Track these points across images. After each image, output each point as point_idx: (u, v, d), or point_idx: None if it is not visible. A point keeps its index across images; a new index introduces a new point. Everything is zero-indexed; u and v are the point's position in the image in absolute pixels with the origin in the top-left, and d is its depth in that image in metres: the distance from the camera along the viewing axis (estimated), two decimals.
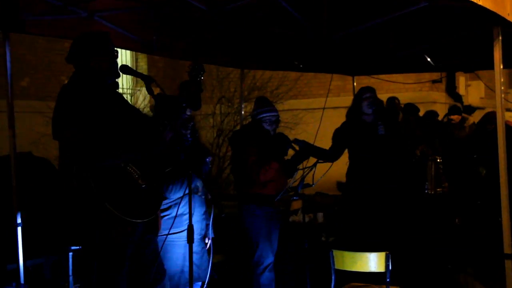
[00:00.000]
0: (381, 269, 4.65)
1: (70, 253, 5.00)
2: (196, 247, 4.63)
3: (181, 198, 4.41)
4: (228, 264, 6.03)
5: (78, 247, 4.69)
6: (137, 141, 3.70)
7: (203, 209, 4.75)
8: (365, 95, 6.06)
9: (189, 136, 4.71)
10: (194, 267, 4.55)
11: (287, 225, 7.46)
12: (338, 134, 6.14)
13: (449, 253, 6.70)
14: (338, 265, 4.84)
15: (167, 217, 4.50)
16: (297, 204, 6.92)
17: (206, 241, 4.87)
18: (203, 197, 4.76)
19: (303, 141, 5.76)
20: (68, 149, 3.54)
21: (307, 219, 8.07)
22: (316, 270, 5.66)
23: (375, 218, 5.86)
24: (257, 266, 5.32)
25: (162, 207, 4.40)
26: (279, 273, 5.41)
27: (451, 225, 7.40)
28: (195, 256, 4.56)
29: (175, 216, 4.36)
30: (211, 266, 4.78)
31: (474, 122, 9.96)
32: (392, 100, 9.06)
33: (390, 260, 4.62)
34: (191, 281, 3.88)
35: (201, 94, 4.18)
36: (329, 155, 5.97)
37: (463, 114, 10.06)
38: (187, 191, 4.42)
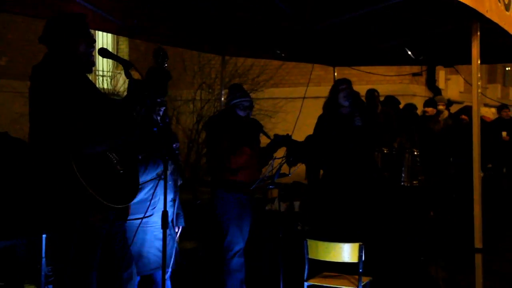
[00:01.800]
0: (354, 259, 4.70)
1: (44, 236, 4.97)
2: (160, 234, 4.59)
3: (152, 182, 4.40)
4: (200, 251, 6.06)
5: (51, 230, 4.65)
6: (116, 127, 3.67)
7: (171, 196, 4.71)
8: (341, 86, 6.10)
9: (159, 121, 4.67)
10: (158, 253, 4.54)
11: (264, 213, 7.50)
12: (320, 124, 6.18)
13: (422, 245, 6.78)
14: (311, 255, 4.88)
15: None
16: (274, 193, 6.95)
17: (176, 230, 4.86)
18: (170, 183, 4.71)
19: (285, 136, 5.76)
20: (48, 134, 3.45)
21: (283, 208, 8.11)
22: (290, 259, 5.69)
23: (349, 209, 5.91)
24: (227, 251, 5.34)
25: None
26: (253, 261, 5.43)
27: (425, 218, 7.48)
28: (159, 243, 4.48)
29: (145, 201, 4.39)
30: (177, 253, 4.76)
31: (448, 116, 10.07)
32: (372, 92, 9.10)
33: (363, 251, 4.66)
34: (164, 266, 3.87)
35: (167, 82, 4.12)
36: (309, 147, 6.01)
37: (438, 107, 10.15)
38: (150, 176, 4.41)
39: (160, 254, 4.49)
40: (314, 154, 6.18)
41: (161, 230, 4.53)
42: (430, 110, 10.00)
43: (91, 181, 3.37)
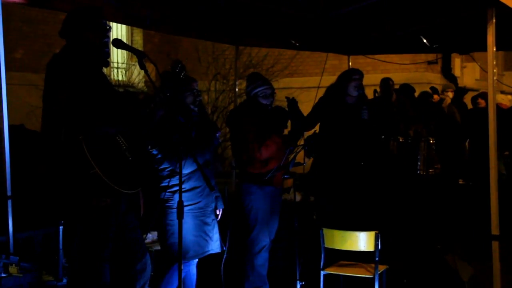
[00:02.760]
0: (371, 248, 4.70)
1: (61, 227, 5.01)
2: (207, 219, 4.73)
3: (196, 172, 4.57)
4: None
5: (66, 216, 4.70)
6: (122, 113, 3.73)
7: (213, 182, 4.76)
8: (354, 76, 6.05)
9: (196, 111, 4.76)
10: (207, 239, 4.70)
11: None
12: (321, 105, 6.14)
13: (438, 233, 6.76)
14: (328, 244, 4.88)
15: (182, 190, 4.55)
16: (290, 182, 6.94)
17: (217, 212, 4.92)
18: (212, 170, 4.83)
19: (293, 100, 5.77)
20: (59, 114, 3.54)
21: (299, 197, 8.10)
22: (306, 248, 5.70)
23: (361, 197, 5.90)
24: (253, 245, 5.24)
25: (172, 183, 4.58)
26: (270, 251, 5.43)
27: (442, 206, 7.44)
28: (207, 228, 4.70)
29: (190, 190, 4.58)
30: (220, 238, 4.86)
31: (451, 102, 10.03)
32: (386, 80, 9.05)
33: (379, 240, 4.66)
34: (180, 256, 3.89)
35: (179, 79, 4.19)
36: (304, 122, 5.96)
37: (446, 93, 10.10)
38: (195, 166, 4.47)
39: (208, 238, 4.71)
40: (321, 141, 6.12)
41: (210, 215, 4.76)
42: (435, 98, 9.96)
43: (99, 162, 3.43)
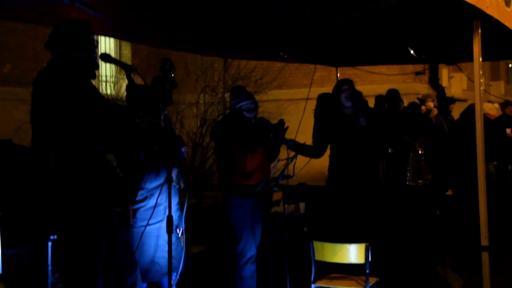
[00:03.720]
0: (361, 260, 4.68)
1: (49, 243, 4.97)
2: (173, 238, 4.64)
3: (161, 187, 4.40)
4: (207, 255, 6.03)
5: (55, 236, 4.66)
6: (113, 129, 3.70)
7: (177, 199, 4.74)
8: (343, 87, 6.05)
9: (162, 125, 4.69)
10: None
11: (269, 216, 7.49)
12: (318, 130, 6.14)
13: (428, 244, 6.75)
14: (318, 257, 4.86)
15: (143, 208, 4.50)
16: (279, 195, 6.92)
17: (178, 231, 4.86)
18: (176, 187, 4.75)
19: (292, 140, 5.76)
20: (48, 135, 3.51)
21: (289, 210, 8.08)
22: (296, 261, 5.68)
23: (356, 210, 5.88)
24: (240, 258, 5.28)
25: (137, 198, 4.42)
26: (259, 264, 5.41)
27: (432, 217, 7.45)
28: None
29: (154, 207, 4.36)
30: (184, 256, 4.76)
31: (438, 113, 10.07)
32: (393, 92, 9.05)
33: (369, 252, 4.65)
34: (170, 271, 3.88)
35: (172, 90, 4.14)
36: (314, 152, 5.98)
37: (427, 104, 10.15)
38: (162, 181, 4.42)
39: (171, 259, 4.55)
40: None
41: (174, 233, 4.60)
42: (423, 108, 10.00)
43: (90, 182, 3.41)
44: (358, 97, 6.02)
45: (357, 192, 5.84)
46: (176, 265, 4.63)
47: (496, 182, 8.93)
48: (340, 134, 5.94)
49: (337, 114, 6.03)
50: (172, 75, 4.07)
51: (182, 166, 4.80)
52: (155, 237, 4.51)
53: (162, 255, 4.57)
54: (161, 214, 4.55)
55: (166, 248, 4.48)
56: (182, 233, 4.88)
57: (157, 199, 4.45)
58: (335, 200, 5.97)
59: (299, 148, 5.86)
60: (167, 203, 4.47)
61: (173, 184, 4.69)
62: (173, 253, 4.50)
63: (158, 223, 4.56)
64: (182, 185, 4.81)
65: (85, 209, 3.52)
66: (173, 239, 4.57)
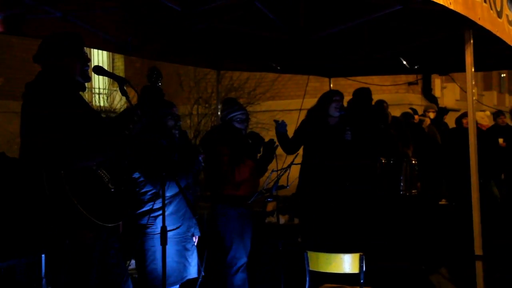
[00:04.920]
0: (355, 270, 4.68)
1: (43, 256, 4.95)
2: (188, 244, 4.70)
3: (178, 195, 4.52)
4: (199, 265, 6.01)
5: (48, 250, 4.65)
6: (104, 142, 3.66)
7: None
8: (335, 97, 6.08)
9: (177, 135, 4.79)
10: (187, 264, 4.67)
11: (263, 226, 7.49)
12: (303, 128, 6.15)
13: (422, 253, 6.76)
14: (312, 266, 4.85)
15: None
16: (273, 206, 6.93)
17: (194, 239, 4.89)
18: (192, 194, 4.84)
19: (285, 126, 5.84)
20: (39, 152, 3.45)
21: (283, 220, 8.09)
22: (291, 271, 5.67)
23: (345, 219, 5.90)
24: (230, 267, 5.32)
25: (156, 206, 4.50)
26: (254, 275, 5.41)
27: (425, 226, 7.46)
28: (187, 253, 4.68)
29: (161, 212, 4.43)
30: (198, 263, 4.81)
31: (431, 122, 10.10)
32: (380, 102, 9.07)
33: (364, 261, 4.65)
34: (164, 282, 3.87)
35: (161, 99, 4.16)
36: (288, 146, 6.02)
37: (427, 115, 10.18)
38: (176, 190, 4.45)
39: (187, 264, 4.68)
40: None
41: (190, 240, 4.72)
42: (416, 118, 10.03)
43: (82, 199, 3.38)
44: (346, 111, 6.07)
45: (343, 186, 5.88)
46: (192, 272, 4.73)
47: (502, 205, 8.86)
48: (324, 144, 5.96)
49: (321, 123, 6.04)
50: (159, 84, 4.08)
51: (199, 175, 4.87)
52: (173, 242, 4.53)
53: (180, 260, 4.63)
54: (179, 220, 4.63)
55: (185, 253, 4.67)
56: (195, 241, 4.91)
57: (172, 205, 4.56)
58: (306, 205, 6.01)
59: (283, 138, 5.96)
60: (183, 211, 4.62)
61: (190, 191, 4.76)
62: (189, 260, 4.70)
63: (176, 230, 4.61)
64: (199, 193, 4.87)
65: (77, 226, 3.48)
66: (189, 246, 4.68)
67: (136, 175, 4.52)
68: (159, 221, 4.40)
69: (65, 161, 3.37)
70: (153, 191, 4.58)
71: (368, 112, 7.13)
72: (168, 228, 4.42)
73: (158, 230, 3.96)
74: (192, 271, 4.76)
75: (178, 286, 4.78)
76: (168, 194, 4.49)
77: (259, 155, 5.62)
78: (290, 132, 6.31)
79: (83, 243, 3.55)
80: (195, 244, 4.90)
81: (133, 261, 5.49)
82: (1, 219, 4.86)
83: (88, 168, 3.52)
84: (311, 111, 6.34)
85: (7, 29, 5.42)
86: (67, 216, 3.41)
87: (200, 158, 4.87)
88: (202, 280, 5.06)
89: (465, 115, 9.72)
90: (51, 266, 3.71)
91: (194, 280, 4.88)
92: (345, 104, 6.96)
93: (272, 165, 5.57)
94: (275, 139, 5.82)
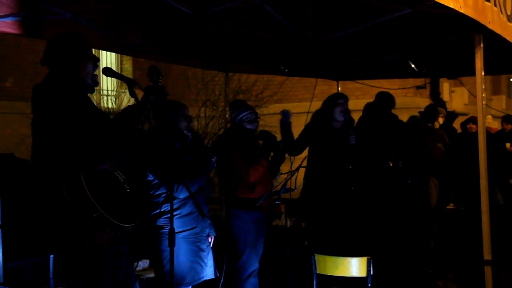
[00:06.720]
0: (363, 274, 4.67)
1: (51, 256, 4.96)
2: (203, 245, 4.70)
3: (192, 196, 4.45)
4: None
5: (59, 251, 4.65)
6: (120, 144, 3.64)
7: (207, 208, 4.82)
8: (339, 100, 6.05)
9: (190, 136, 4.80)
10: (203, 265, 4.67)
11: (271, 229, 7.48)
12: (308, 131, 6.13)
13: (430, 258, 6.74)
14: (320, 270, 4.84)
15: (178, 215, 4.55)
16: (281, 208, 6.91)
17: (209, 240, 4.89)
18: (206, 196, 4.84)
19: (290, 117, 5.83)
20: (56, 156, 3.41)
21: (290, 223, 8.07)
22: (298, 274, 5.66)
23: (353, 222, 5.88)
24: (242, 271, 5.25)
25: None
26: (261, 278, 5.39)
27: (433, 231, 7.44)
28: (202, 254, 4.67)
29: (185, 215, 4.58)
30: (214, 264, 4.82)
31: (439, 126, 10.05)
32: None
33: (371, 265, 4.64)
34: (171, 282, 3.87)
35: (165, 98, 4.14)
36: (292, 147, 6.01)
37: (438, 119, 10.14)
38: (194, 191, 4.46)
39: (203, 264, 4.68)
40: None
41: (205, 241, 4.74)
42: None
43: (102, 201, 3.37)
44: (350, 115, 6.05)
45: (348, 190, 5.87)
46: (208, 273, 4.73)
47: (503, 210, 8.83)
48: (329, 148, 5.94)
49: (326, 127, 6.02)
50: (160, 82, 4.06)
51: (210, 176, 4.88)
52: (188, 242, 4.57)
53: (196, 260, 4.63)
54: (193, 221, 4.64)
55: (200, 254, 4.68)
56: (211, 242, 4.92)
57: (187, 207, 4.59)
58: (310, 209, 5.99)
59: (287, 132, 5.96)
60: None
61: (204, 192, 4.78)
62: (206, 260, 4.71)
63: (191, 230, 4.61)
64: (213, 194, 4.87)
65: (96, 228, 3.47)
66: (204, 246, 4.71)
67: (150, 177, 4.53)
68: (174, 222, 4.41)
69: (84, 164, 3.34)
70: (167, 193, 4.59)
71: (386, 117, 7.10)
72: (183, 229, 4.55)
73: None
74: (209, 272, 4.76)
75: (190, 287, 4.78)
76: (181, 196, 4.51)
77: (271, 153, 5.60)
78: (296, 135, 6.30)
79: (100, 245, 3.54)
80: (211, 244, 4.90)
81: (140, 263, 5.51)
82: (10, 220, 4.87)
83: (105, 170, 3.52)
84: (316, 114, 6.32)
85: (15, 30, 5.42)
86: (87, 219, 3.38)
87: (213, 159, 4.87)
88: (224, 281, 5.08)
89: (471, 119, 9.71)
90: (68, 268, 3.67)
91: (210, 281, 4.89)
92: (361, 106, 6.97)
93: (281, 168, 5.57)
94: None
